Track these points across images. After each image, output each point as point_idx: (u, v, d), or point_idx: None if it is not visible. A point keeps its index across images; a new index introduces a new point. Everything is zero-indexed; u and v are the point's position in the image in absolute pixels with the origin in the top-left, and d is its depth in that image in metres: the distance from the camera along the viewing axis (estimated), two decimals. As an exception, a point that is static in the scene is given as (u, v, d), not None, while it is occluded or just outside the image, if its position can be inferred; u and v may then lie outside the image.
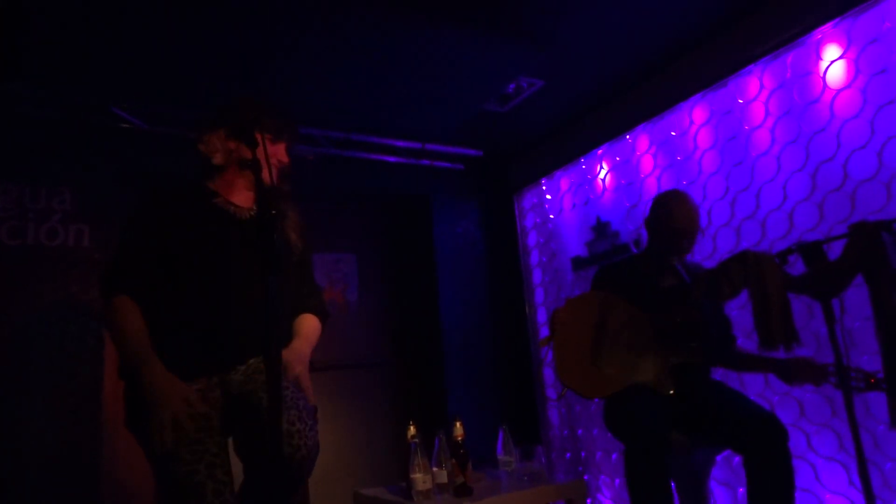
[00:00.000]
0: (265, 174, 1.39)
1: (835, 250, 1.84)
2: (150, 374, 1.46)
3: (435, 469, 2.54)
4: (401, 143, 3.73)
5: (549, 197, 3.97)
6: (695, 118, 3.08)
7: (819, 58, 2.55)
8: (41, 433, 2.73)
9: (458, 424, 2.60)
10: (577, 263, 3.66)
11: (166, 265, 1.60)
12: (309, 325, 1.83)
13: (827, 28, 2.49)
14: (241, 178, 1.75)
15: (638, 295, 2.27)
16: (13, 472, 2.64)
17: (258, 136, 1.53)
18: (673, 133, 3.18)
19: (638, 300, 2.26)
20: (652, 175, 3.27)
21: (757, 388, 2.68)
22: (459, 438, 2.56)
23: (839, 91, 2.46)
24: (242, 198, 1.77)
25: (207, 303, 1.60)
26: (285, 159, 1.81)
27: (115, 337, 1.55)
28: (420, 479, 2.46)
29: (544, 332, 3.96)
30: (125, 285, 1.58)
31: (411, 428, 2.66)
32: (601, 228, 3.51)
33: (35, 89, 2.81)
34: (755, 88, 2.80)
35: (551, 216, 3.91)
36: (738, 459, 2.72)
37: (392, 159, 3.82)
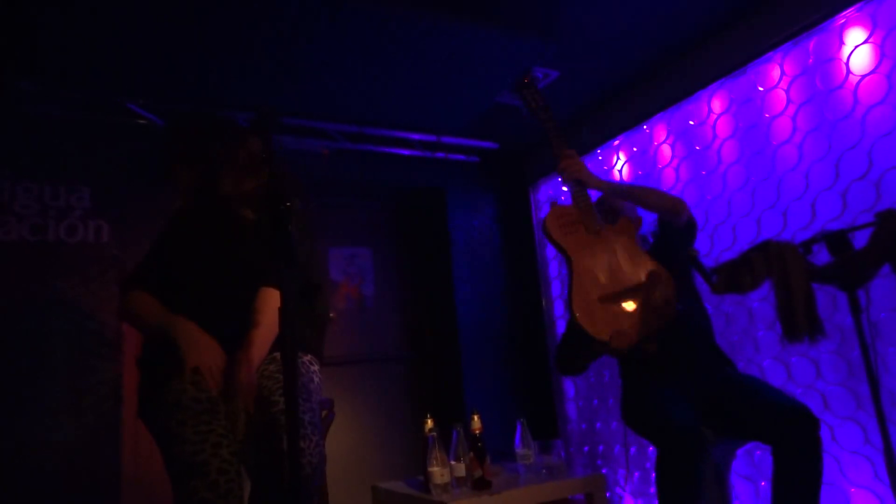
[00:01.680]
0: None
1: (860, 239, 1.79)
2: (185, 329, 1.56)
3: (453, 462, 2.53)
4: (415, 136, 3.71)
5: (564, 189, 3.93)
6: (714, 107, 3.03)
7: (842, 43, 2.49)
8: (61, 429, 2.76)
9: (475, 418, 2.59)
10: (595, 256, 3.63)
11: (178, 267, 1.71)
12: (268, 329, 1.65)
13: (850, 12, 2.43)
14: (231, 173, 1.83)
15: None
16: (33, 469, 2.68)
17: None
18: (691, 122, 3.13)
19: None
20: (670, 165, 3.22)
21: (779, 380, 2.64)
22: (477, 432, 2.55)
23: (864, 77, 2.41)
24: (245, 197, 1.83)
25: (215, 303, 1.66)
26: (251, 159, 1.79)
27: (137, 317, 1.67)
28: (438, 472, 2.46)
29: (561, 325, 3.94)
30: (142, 284, 1.72)
31: (429, 421, 2.66)
32: (618, 220, 3.47)
33: (51, 88, 2.84)
34: (776, 75, 2.74)
35: (568, 208, 3.88)
36: (759, 453, 2.69)
37: (406, 152, 3.80)
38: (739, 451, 2.44)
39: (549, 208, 2.33)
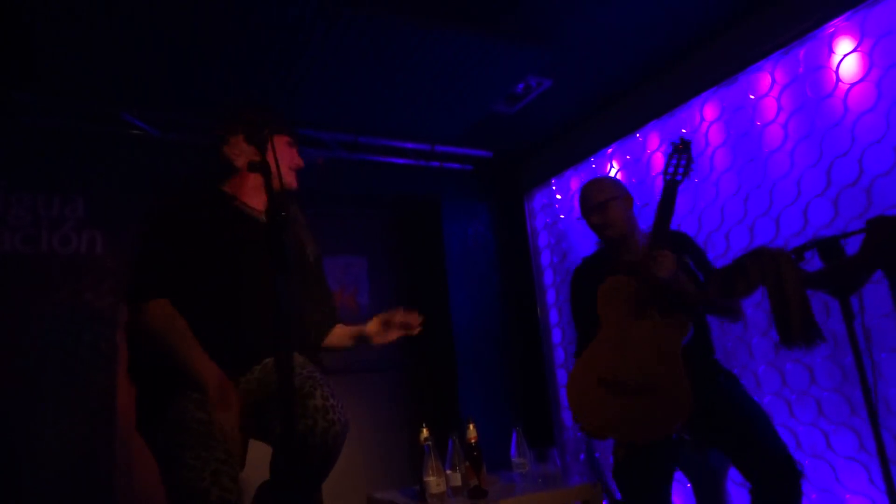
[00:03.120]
0: (278, 178, 1.45)
1: (852, 246, 1.81)
2: (214, 376, 1.48)
3: (449, 472, 2.52)
4: (410, 145, 3.73)
5: (559, 197, 3.95)
6: (706, 115, 3.05)
7: (832, 51, 2.51)
8: (55, 440, 2.74)
9: (471, 426, 2.59)
10: (589, 263, 3.64)
11: (189, 269, 1.61)
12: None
13: (839, 21, 2.46)
14: (256, 181, 1.76)
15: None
16: (28, 478, 2.66)
17: (275, 140, 1.61)
18: (684, 130, 3.16)
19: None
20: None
21: (774, 386, 2.65)
22: (473, 441, 2.55)
23: (853, 85, 2.43)
24: (257, 201, 1.79)
25: (228, 306, 1.61)
26: (300, 162, 1.87)
27: (159, 336, 1.53)
28: (434, 481, 2.45)
29: (557, 333, 3.94)
30: (160, 289, 1.58)
31: (424, 430, 2.65)
32: (612, 228, 3.48)
33: (46, 98, 2.84)
34: (767, 84, 2.77)
35: (562, 216, 3.89)
36: None
37: (401, 161, 3.81)
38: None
39: (610, 278, 2.16)
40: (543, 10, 2.59)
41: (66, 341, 2.86)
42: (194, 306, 1.58)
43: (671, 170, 2.14)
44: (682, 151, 2.16)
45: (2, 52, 2.53)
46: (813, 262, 1.89)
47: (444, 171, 4.06)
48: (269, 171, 1.36)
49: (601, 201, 2.30)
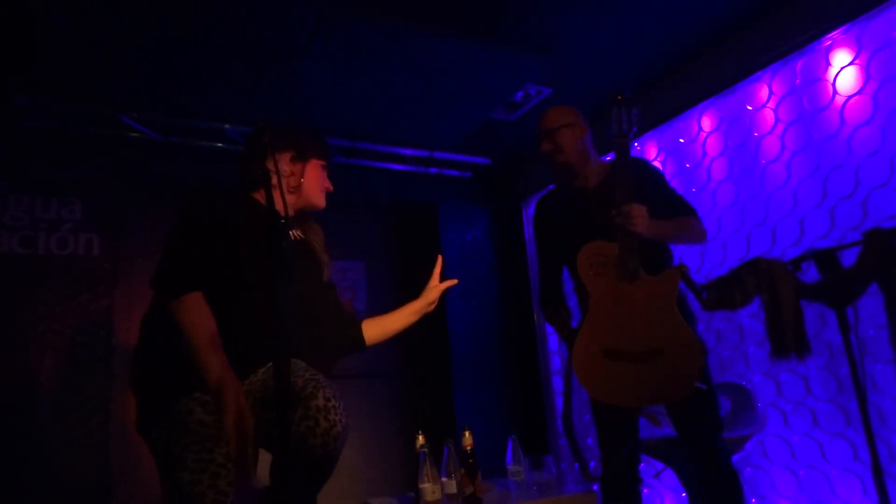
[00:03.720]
0: (316, 199, 1.92)
1: (848, 257, 1.82)
2: (230, 385, 1.45)
3: (444, 479, 2.52)
4: (408, 152, 3.73)
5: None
6: (703, 125, 3.07)
7: (829, 64, 2.53)
8: (49, 442, 2.73)
9: (466, 434, 2.59)
10: (586, 271, 3.64)
11: (215, 267, 1.61)
12: None
13: (836, 34, 2.48)
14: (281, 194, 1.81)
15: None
16: (22, 481, 2.65)
17: (310, 163, 1.87)
18: (681, 140, 3.17)
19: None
20: (661, 182, 3.25)
21: (770, 397, 2.66)
22: (468, 448, 2.55)
23: (850, 97, 2.45)
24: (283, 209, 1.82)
25: (241, 307, 1.62)
26: (330, 186, 2.00)
27: (188, 331, 1.51)
28: (429, 489, 2.45)
29: (553, 340, 3.94)
30: (196, 282, 1.56)
31: (420, 437, 2.65)
32: (610, 236, 3.49)
33: (46, 101, 2.84)
34: (764, 95, 2.78)
35: (559, 224, 3.90)
36: (749, 448, 2.68)
37: (399, 167, 3.82)
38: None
39: (588, 246, 2.09)
40: (543, 19, 2.61)
41: (61, 343, 2.85)
42: (213, 304, 1.58)
43: (616, 127, 2.10)
44: (624, 105, 2.10)
45: (2, 55, 2.53)
46: (809, 273, 1.90)
47: (442, 178, 4.07)
48: (269, 180, 1.38)
49: (552, 128, 2.32)
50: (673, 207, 2.26)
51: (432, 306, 2.12)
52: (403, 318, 2.11)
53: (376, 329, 2.08)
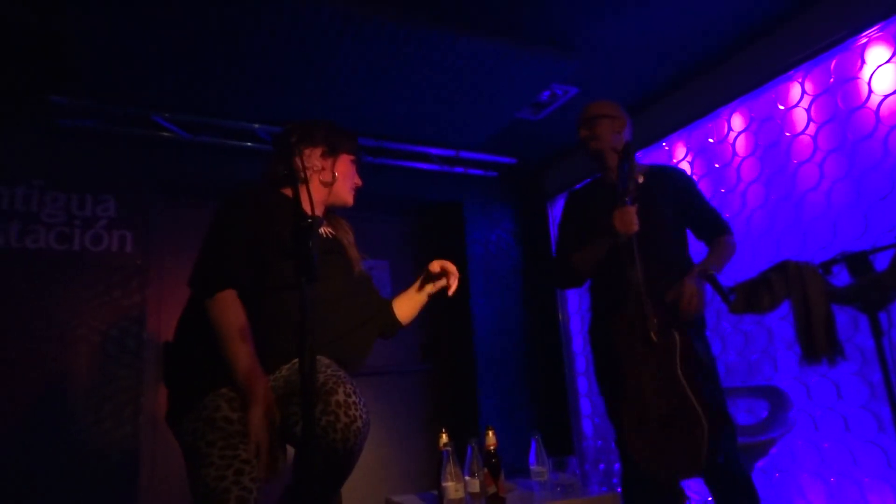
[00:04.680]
0: (345, 196, 1.94)
1: (882, 261, 1.78)
2: (263, 394, 1.50)
3: (467, 478, 2.53)
4: (434, 151, 3.75)
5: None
6: (734, 125, 3.02)
7: (864, 62, 2.47)
8: (81, 436, 2.80)
9: (490, 433, 2.59)
10: (612, 272, 3.61)
11: (251, 266, 1.64)
12: None
13: (872, 32, 2.42)
14: (315, 191, 1.88)
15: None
16: (53, 474, 2.72)
17: (340, 158, 1.89)
18: (711, 140, 3.13)
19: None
20: (689, 183, 3.21)
21: (800, 401, 2.61)
22: (492, 447, 2.55)
23: (886, 97, 2.39)
24: (310, 208, 1.84)
25: (269, 304, 1.64)
26: (360, 182, 2.01)
27: (221, 327, 1.55)
28: (452, 487, 2.46)
29: (578, 341, 3.92)
30: (232, 279, 1.60)
31: (443, 436, 2.66)
32: (636, 237, 3.46)
33: (81, 101, 2.92)
34: (797, 94, 2.73)
35: (585, 224, 3.87)
36: (777, 453, 2.64)
37: (425, 167, 3.84)
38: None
39: (618, 316, 2.11)
40: (570, 18, 2.60)
41: (94, 337, 2.93)
42: (244, 300, 1.60)
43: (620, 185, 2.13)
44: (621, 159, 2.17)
45: (40, 57, 2.61)
46: (841, 277, 1.87)
47: (468, 177, 4.08)
48: (297, 179, 1.41)
49: (592, 115, 2.40)
50: (706, 223, 2.34)
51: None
52: (424, 293, 2.08)
53: (408, 306, 2.07)
